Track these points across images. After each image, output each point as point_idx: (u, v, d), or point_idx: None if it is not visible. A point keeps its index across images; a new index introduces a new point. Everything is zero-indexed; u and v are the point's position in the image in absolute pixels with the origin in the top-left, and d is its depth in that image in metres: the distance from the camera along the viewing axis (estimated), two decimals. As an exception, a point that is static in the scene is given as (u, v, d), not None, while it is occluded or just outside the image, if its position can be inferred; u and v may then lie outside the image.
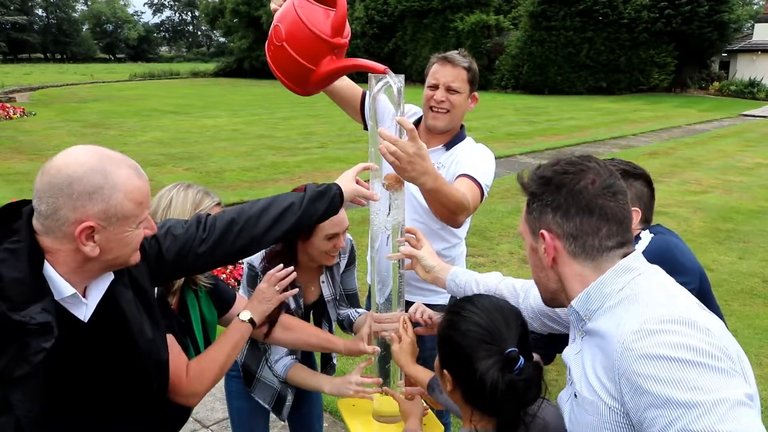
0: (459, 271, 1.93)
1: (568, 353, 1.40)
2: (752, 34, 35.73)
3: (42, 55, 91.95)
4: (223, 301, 2.13)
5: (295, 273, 2.03)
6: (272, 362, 2.31)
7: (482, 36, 33.98)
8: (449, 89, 2.47)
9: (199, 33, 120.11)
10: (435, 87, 2.48)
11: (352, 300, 2.56)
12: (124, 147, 13.37)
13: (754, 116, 22.73)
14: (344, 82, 2.60)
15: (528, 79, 32.13)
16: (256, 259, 2.25)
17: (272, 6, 2.11)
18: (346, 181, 1.90)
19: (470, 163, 2.43)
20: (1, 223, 1.32)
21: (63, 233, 1.31)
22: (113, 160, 1.35)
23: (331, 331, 2.49)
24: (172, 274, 1.72)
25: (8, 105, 20.49)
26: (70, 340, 1.34)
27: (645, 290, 1.25)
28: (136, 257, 1.46)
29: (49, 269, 1.32)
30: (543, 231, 1.34)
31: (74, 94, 29.17)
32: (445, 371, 1.49)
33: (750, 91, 31.08)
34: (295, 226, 1.78)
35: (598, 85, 31.51)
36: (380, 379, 2.10)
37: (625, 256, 1.31)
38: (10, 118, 18.50)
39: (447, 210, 2.13)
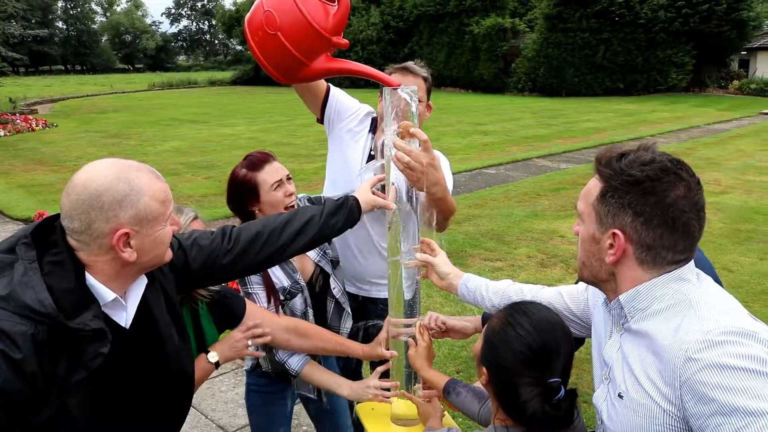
0: (471, 277, 1.96)
1: (609, 351, 1.40)
2: (772, 31, 35.30)
3: (62, 67, 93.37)
4: (229, 315, 2.11)
5: (269, 337, 2.10)
6: (283, 359, 2.30)
7: (498, 39, 33.90)
8: None
9: (216, 42, 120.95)
10: None
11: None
12: (143, 157, 13.53)
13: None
14: None
15: (545, 82, 32.00)
16: None
17: None
18: (363, 192, 1.95)
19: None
20: (40, 237, 1.38)
21: (99, 245, 1.37)
22: (132, 167, 1.42)
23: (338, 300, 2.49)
24: (196, 283, 1.78)
25: (30, 117, 20.90)
26: (114, 345, 1.39)
27: (701, 300, 1.25)
28: (170, 254, 1.53)
29: (90, 278, 1.38)
30: (617, 231, 1.30)
31: (94, 104, 29.55)
32: (483, 368, 1.51)
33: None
34: (316, 238, 1.84)
35: (615, 86, 31.30)
36: (398, 383, 2.13)
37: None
38: (33, 129, 18.82)
39: (443, 217, 2.23)
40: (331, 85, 2.60)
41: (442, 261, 2.01)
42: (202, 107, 27.47)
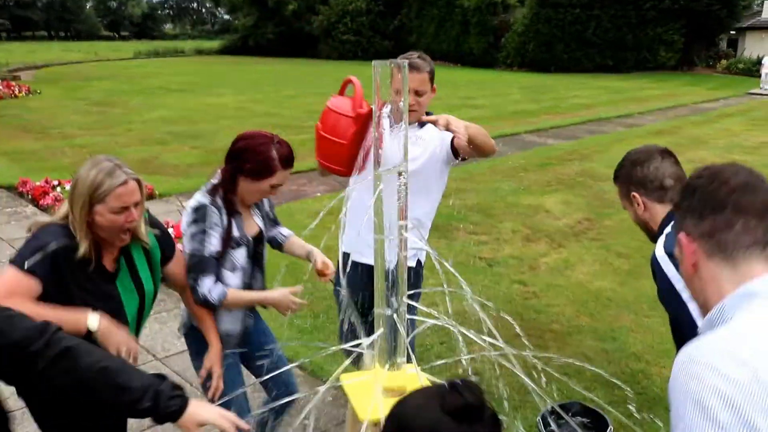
0: None
1: None
2: (762, 11, 35.36)
3: (45, 33, 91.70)
4: (164, 250, 2.30)
5: (136, 347, 2.10)
6: (206, 293, 2.31)
7: (488, 13, 33.71)
8: (417, 93, 2.70)
9: (204, 10, 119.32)
10: None
11: (276, 221, 2.79)
12: (129, 125, 13.42)
13: (761, 95, 22.57)
14: None
15: (534, 57, 31.91)
16: (200, 193, 2.37)
17: None
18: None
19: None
20: None
21: None
22: None
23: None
24: None
25: (13, 83, 20.49)
26: None
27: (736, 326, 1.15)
28: None
29: None
30: (680, 236, 1.29)
31: (79, 72, 29.14)
32: None
33: (758, 70, 30.81)
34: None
35: (604, 62, 31.31)
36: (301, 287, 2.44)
37: None
38: (16, 96, 18.51)
39: (486, 141, 2.66)
40: None
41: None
42: (188, 76, 27.16)
